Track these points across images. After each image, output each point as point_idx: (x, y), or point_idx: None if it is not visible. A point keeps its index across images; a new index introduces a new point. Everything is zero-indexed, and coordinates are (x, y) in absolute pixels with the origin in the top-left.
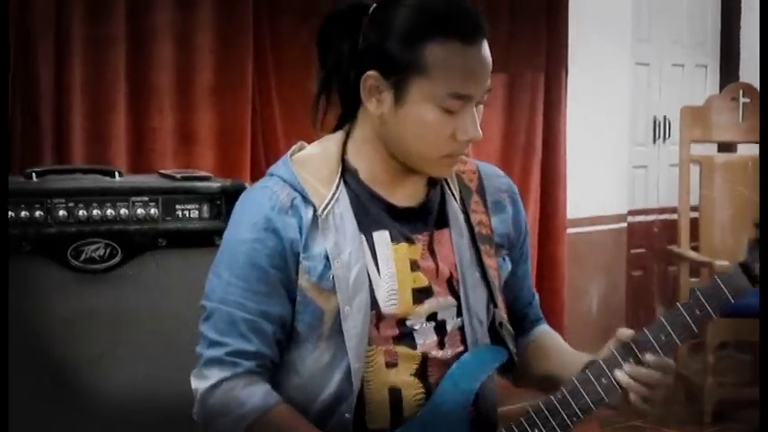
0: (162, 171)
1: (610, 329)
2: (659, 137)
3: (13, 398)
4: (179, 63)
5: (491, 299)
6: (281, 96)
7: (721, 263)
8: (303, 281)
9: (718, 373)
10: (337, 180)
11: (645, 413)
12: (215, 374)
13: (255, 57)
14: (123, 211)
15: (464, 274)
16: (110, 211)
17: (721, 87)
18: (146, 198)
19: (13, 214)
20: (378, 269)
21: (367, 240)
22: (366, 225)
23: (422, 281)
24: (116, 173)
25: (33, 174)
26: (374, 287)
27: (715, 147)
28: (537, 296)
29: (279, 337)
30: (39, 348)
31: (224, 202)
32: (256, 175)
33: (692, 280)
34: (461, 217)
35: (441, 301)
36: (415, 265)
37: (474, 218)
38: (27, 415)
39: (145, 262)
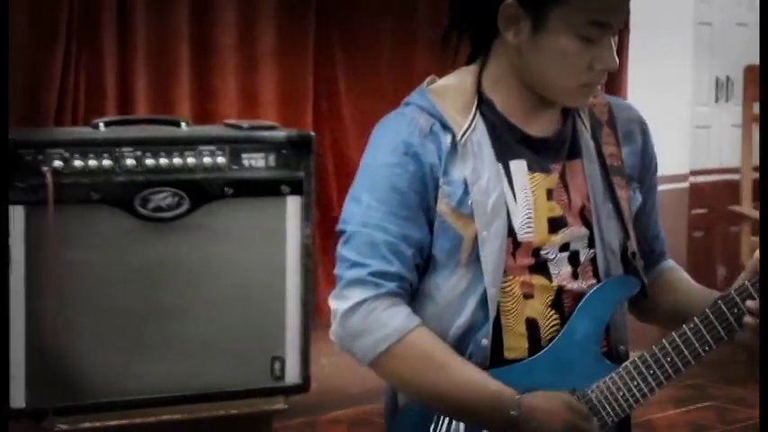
0: (228, 121)
1: None
2: (722, 97)
3: (82, 348)
4: (241, 24)
5: (623, 229)
6: (345, 56)
7: None
8: (442, 205)
9: None
10: (474, 110)
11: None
12: (356, 294)
13: (318, 16)
14: (190, 159)
15: (597, 205)
16: (177, 160)
17: None
18: (213, 147)
19: (81, 163)
20: (515, 197)
21: (504, 169)
22: (503, 154)
23: (557, 210)
24: (182, 123)
25: (101, 124)
26: (511, 214)
27: None
28: (662, 230)
29: (417, 261)
30: (108, 297)
31: (290, 151)
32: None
33: (754, 239)
34: (593, 148)
35: (574, 231)
36: (550, 195)
37: (605, 150)
38: (97, 364)
39: (212, 211)
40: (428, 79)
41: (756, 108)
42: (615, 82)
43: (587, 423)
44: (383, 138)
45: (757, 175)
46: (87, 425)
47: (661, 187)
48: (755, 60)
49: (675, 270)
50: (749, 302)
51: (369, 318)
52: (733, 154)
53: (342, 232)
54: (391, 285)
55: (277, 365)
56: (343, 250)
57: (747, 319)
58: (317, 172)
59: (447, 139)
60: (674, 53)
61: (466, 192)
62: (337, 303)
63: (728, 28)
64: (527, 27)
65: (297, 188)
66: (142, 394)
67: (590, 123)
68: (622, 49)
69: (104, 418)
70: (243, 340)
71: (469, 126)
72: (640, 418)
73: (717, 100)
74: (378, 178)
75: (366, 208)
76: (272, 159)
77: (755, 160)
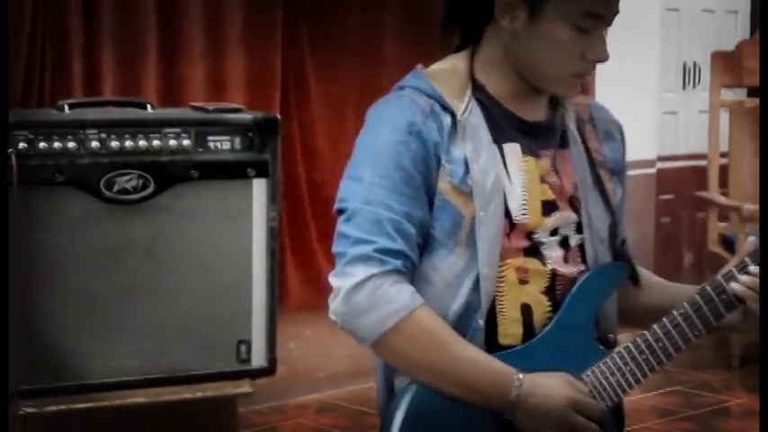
0: (194, 104)
1: None
2: (689, 83)
3: (48, 331)
4: (208, 12)
5: (611, 217)
6: (313, 50)
7: (750, 207)
8: (444, 183)
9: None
10: (468, 93)
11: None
12: (362, 271)
13: (285, 10)
14: (156, 142)
15: (585, 193)
16: (142, 143)
17: (752, 33)
18: (178, 129)
19: (45, 145)
20: (509, 179)
21: (499, 151)
22: (497, 137)
23: (549, 194)
24: (148, 105)
25: (65, 106)
26: (507, 196)
27: (745, 92)
28: (629, 236)
29: (419, 240)
30: (73, 279)
31: (256, 133)
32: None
33: (721, 225)
34: (580, 141)
35: (564, 216)
36: (542, 179)
37: (590, 144)
38: (62, 346)
39: (178, 193)
40: (418, 66)
41: (723, 94)
42: None
43: (588, 397)
44: (383, 118)
45: (725, 161)
46: (53, 408)
47: (629, 173)
48: (723, 46)
49: (646, 273)
50: (733, 284)
51: (375, 294)
52: (700, 140)
53: (342, 211)
54: (396, 263)
55: (243, 348)
56: (344, 228)
57: (736, 286)
58: (283, 156)
59: (447, 119)
60: (641, 39)
61: (466, 171)
62: (340, 281)
63: (696, 14)
64: (523, 14)
65: (263, 171)
66: (107, 377)
67: (575, 118)
68: None
69: (70, 401)
70: (208, 323)
71: (466, 108)
72: None
73: (684, 86)
74: (381, 156)
75: (369, 185)
76: (237, 142)
77: (723, 146)
